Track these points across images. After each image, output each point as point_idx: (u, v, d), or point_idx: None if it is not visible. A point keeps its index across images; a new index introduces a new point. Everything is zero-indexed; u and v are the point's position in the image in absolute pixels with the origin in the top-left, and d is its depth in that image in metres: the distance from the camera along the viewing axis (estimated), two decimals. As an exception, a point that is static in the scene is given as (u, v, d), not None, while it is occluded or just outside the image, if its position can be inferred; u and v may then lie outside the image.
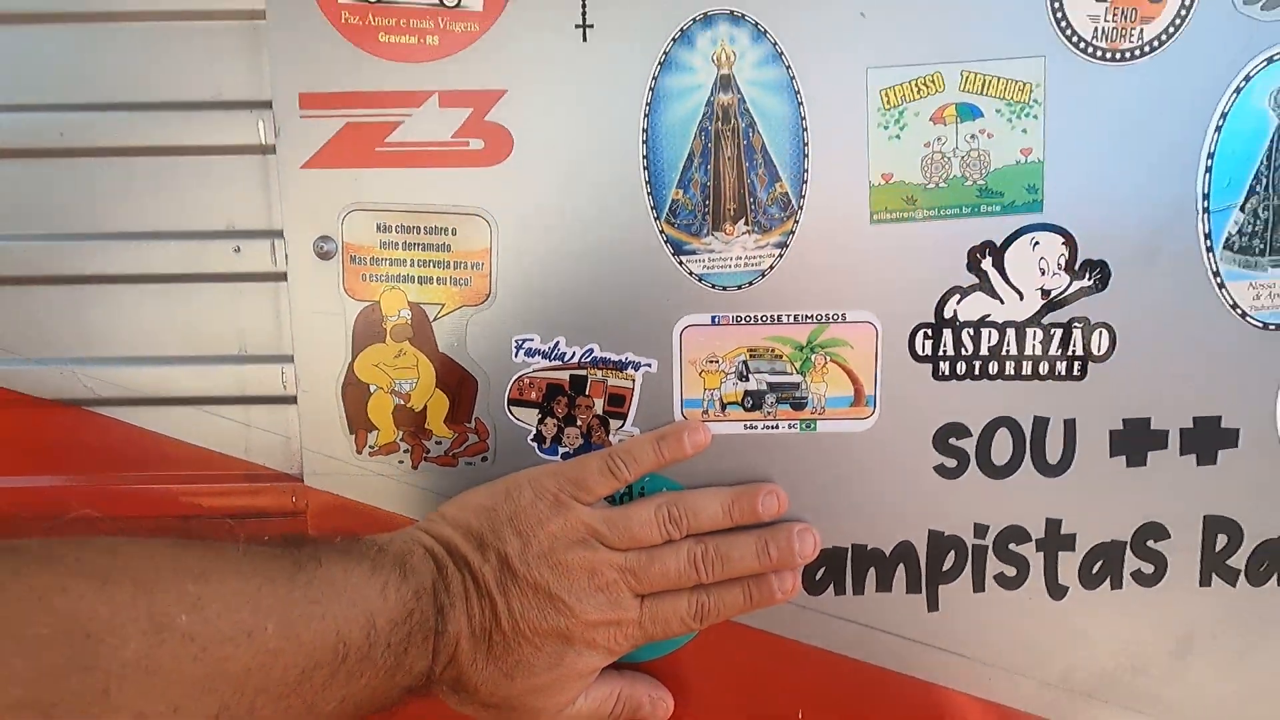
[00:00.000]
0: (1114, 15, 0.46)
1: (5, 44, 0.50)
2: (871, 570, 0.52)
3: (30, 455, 0.54)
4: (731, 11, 0.47)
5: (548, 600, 0.44)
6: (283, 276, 0.51)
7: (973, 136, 0.47)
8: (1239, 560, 0.51)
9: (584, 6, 0.47)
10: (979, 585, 0.52)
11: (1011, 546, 0.51)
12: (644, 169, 0.48)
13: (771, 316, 0.49)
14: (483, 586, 0.44)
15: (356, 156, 0.49)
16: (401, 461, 0.52)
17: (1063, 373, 0.50)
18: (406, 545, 0.44)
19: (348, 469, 0.52)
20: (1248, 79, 0.47)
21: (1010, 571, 0.52)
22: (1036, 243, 0.48)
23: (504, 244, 0.49)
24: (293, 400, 0.52)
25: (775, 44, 0.47)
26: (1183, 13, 0.46)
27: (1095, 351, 0.49)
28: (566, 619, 0.44)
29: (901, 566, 0.52)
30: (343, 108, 0.48)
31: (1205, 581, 0.51)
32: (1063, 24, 0.46)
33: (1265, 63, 0.46)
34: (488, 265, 0.49)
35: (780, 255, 0.49)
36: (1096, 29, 0.46)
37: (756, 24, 0.47)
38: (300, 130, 0.49)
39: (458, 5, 0.47)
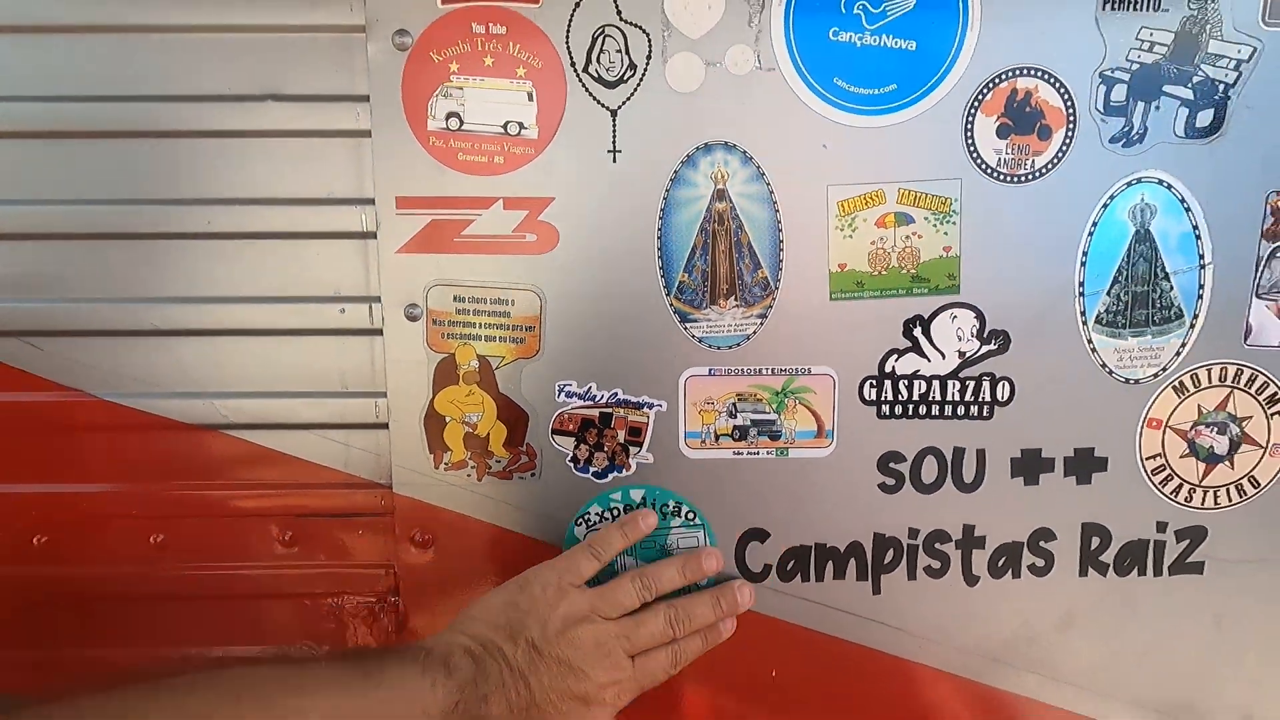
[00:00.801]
0: (1012, 149, 0.62)
1: (169, 153, 0.65)
2: (829, 563, 0.67)
3: (178, 467, 0.69)
4: (726, 142, 0.62)
5: (569, 671, 0.56)
6: (378, 332, 0.66)
7: (907, 237, 0.63)
8: (1108, 556, 0.67)
9: (614, 136, 0.62)
10: (912, 575, 0.67)
11: (937, 545, 0.67)
12: (658, 258, 0.63)
13: (754, 369, 0.65)
14: (516, 670, 0.55)
15: (439, 245, 0.64)
16: (469, 475, 0.67)
17: (975, 414, 0.65)
18: (447, 647, 0.54)
19: (427, 480, 0.68)
20: (1112, 198, 0.62)
21: (936, 564, 0.67)
22: (955, 316, 0.64)
23: (551, 312, 0.65)
24: (384, 426, 0.67)
25: (759, 166, 0.62)
26: (1064, 148, 0.61)
27: (999, 398, 0.65)
28: (584, 684, 0.56)
29: (853, 560, 0.67)
30: (429, 208, 0.64)
31: (1083, 573, 0.67)
32: (975, 156, 0.62)
33: (1124, 186, 0.62)
34: (538, 328, 0.65)
35: (761, 324, 0.64)
36: (999, 159, 0.62)
37: (745, 151, 0.62)
38: (396, 223, 0.64)
39: (519, 134, 0.62)
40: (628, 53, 0.61)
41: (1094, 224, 0.62)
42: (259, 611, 0.72)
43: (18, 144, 0.65)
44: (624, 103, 0.62)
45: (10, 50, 0.64)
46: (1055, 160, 0.62)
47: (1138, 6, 0.60)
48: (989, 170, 0.62)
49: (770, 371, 0.65)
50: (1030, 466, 0.66)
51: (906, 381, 0.65)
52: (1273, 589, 0.68)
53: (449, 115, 0.62)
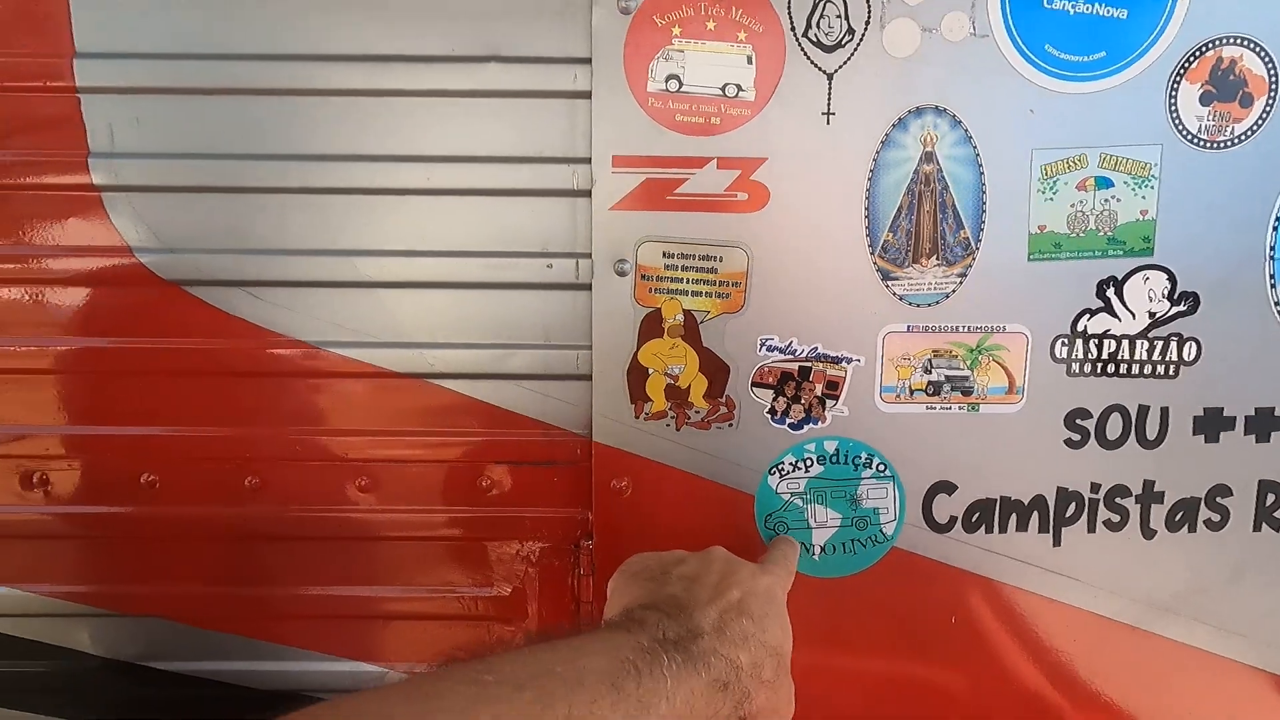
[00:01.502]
0: (1214, 116, 0.64)
1: (392, 111, 0.68)
2: (1013, 515, 0.70)
3: (386, 414, 0.72)
4: (936, 106, 0.64)
5: (784, 630, 0.56)
6: (585, 287, 0.69)
7: (1106, 200, 0.65)
8: (1284, 513, 0.70)
9: (829, 98, 0.65)
10: (1091, 528, 0.70)
11: (1117, 500, 0.70)
12: (865, 217, 0.66)
13: (951, 327, 0.68)
14: (759, 656, 0.51)
15: (651, 202, 0.67)
16: (668, 424, 0.70)
17: (1161, 373, 0.68)
18: (714, 664, 0.48)
19: (626, 429, 0.71)
20: (1309, 165, 0.64)
21: (1115, 518, 0.70)
22: (1147, 278, 0.66)
23: (757, 269, 0.67)
24: (587, 378, 0.70)
25: (967, 130, 0.65)
26: (1264, 116, 0.64)
27: (1186, 358, 0.68)
28: (787, 641, 0.56)
29: (1035, 513, 0.70)
30: (644, 167, 0.66)
31: (1257, 528, 0.70)
32: (1177, 122, 0.64)
33: (1322, 153, 0.64)
34: (744, 284, 0.68)
35: (960, 282, 0.67)
36: (1201, 125, 0.64)
37: (954, 115, 0.65)
38: (611, 182, 0.67)
39: (737, 96, 0.65)
40: (847, 18, 0.63)
41: (1289, 190, 0.65)
42: (458, 554, 0.75)
43: (248, 100, 0.68)
44: (841, 66, 0.64)
45: (235, 9, 0.67)
46: (1255, 127, 0.64)
47: (1344, -21, 0.62)
48: (1190, 137, 0.64)
49: (967, 329, 0.68)
50: (1212, 424, 0.69)
51: (1097, 340, 0.68)
52: None
53: (669, 77, 0.65)
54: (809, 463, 0.70)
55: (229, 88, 0.68)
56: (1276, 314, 0.67)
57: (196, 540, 0.76)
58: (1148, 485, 0.70)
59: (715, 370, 0.69)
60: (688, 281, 0.68)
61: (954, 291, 0.67)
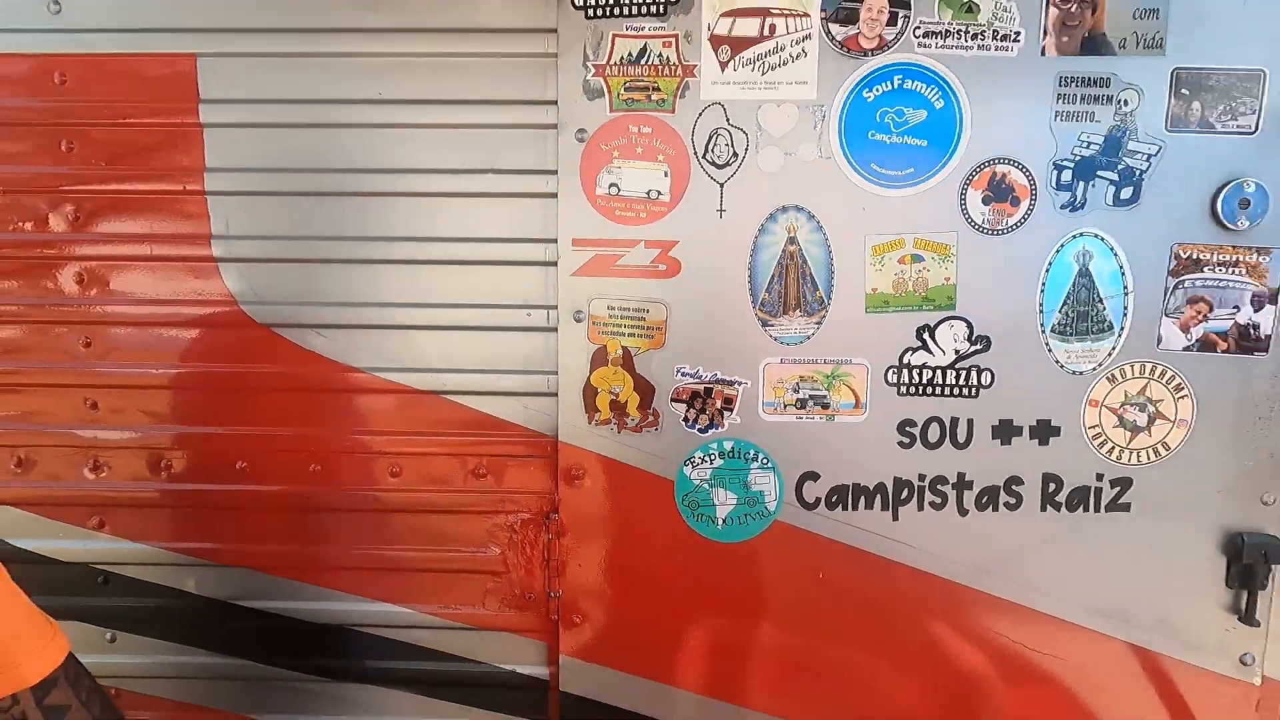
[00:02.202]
0: (993, 212, 0.91)
1: (418, 208, 0.97)
2: (862, 497, 0.96)
3: (410, 420, 1.01)
4: (796, 205, 0.92)
5: None
6: (554, 330, 0.97)
7: (919, 271, 0.92)
8: (1061, 498, 0.95)
9: (721, 200, 0.93)
10: (920, 507, 0.96)
11: (938, 486, 0.96)
12: (748, 282, 0.94)
13: (812, 360, 0.94)
14: None
15: (600, 271, 0.95)
16: (612, 429, 0.98)
17: (966, 394, 0.94)
18: None
19: (582, 433, 0.98)
20: (1062, 246, 0.91)
21: (937, 500, 0.96)
22: (952, 325, 0.93)
23: (673, 318, 0.95)
24: (554, 395, 0.98)
25: (819, 222, 0.92)
26: (1028, 212, 0.90)
27: (983, 383, 0.93)
28: None
29: (878, 496, 0.96)
30: (594, 247, 0.95)
31: (1044, 509, 0.95)
32: (967, 216, 0.91)
33: (1071, 238, 0.90)
34: (664, 329, 0.95)
35: (818, 328, 0.94)
36: (984, 218, 0.91)
37: (809, 212, 0.92)
38: (572, 256, 0.95)
39: (657, 198, 0.93)
40: (733, 145, 0.92)
41: (1049, 264, 0.91)
42: (461, 523, 1.03)
43: (322, 200, 0.98)
44: (729, 179, 0.92)
45: (317, 140, 0.97)
46: (1022, 220, 0.91)
47: (1079, 118, 0.89)
48: (976, 226, 0.91)
49: (823, 361, 0.95)
50: (1005, 431, 0.94)
51: (918, 370, 0.94)
52: (1180, 524, 0.95)
53: (611, 185, 0.94)
54: (713, 457, 0.97)
55: (309, 192, 0.98)
56: (1047, 351, 0.93)
57: (274, 511, 1.04)
58: (960, 476, 0.95)
59: (645, 390, 0.97)
60: (625, 327, 0.96)
61: (813, 335, 0.94)
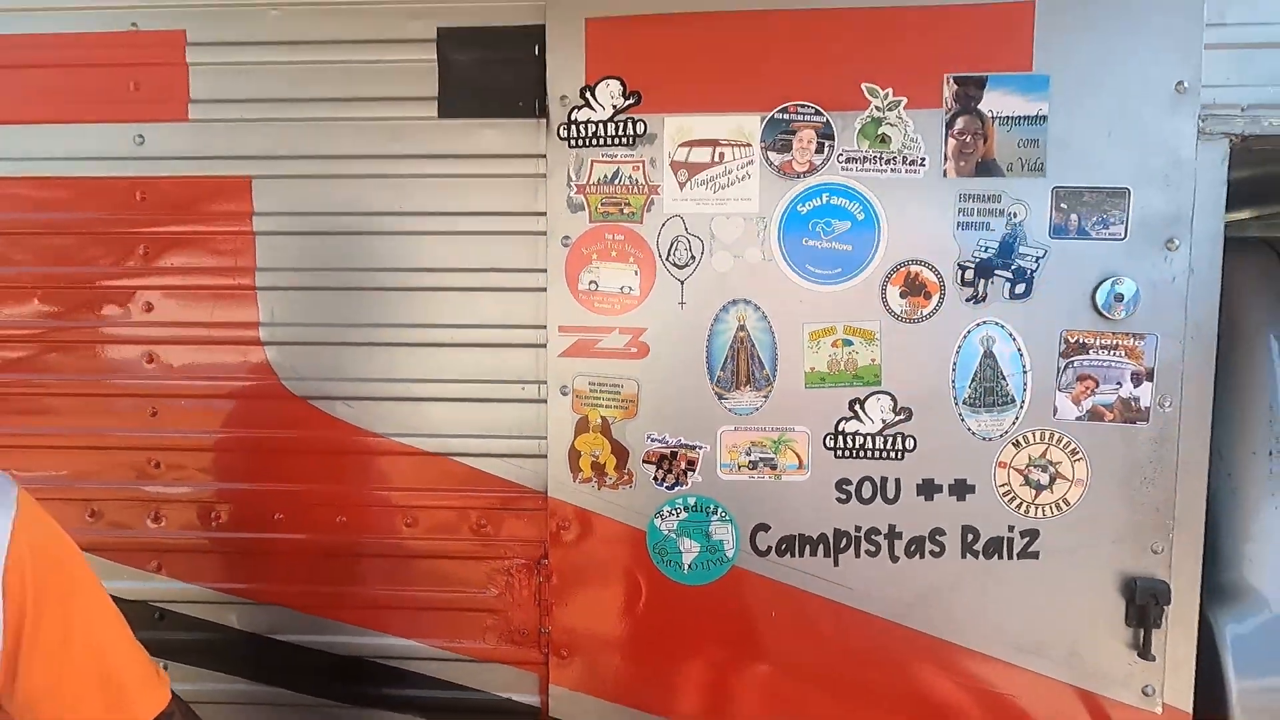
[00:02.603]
0: (909, 304, 1.08)
1: (433, 298, 1.16)
2: (807, 546, 1.12)
3: (422, 478, 1.18)
4: (745, 299, 1.10)
5: None
6: (543, 401, 1.15)
7: (849, 353, 1.09)
8: (979, 546, 1.10)
9: (682, 294, 1.11)
10: (857, 554, 1.11)
11: (872, 536, 1.11)
12: (706, 362, 1.11)
13: (761, 428, 1.11)
14: None
15: (582, 352, 1.13)
16: (594, 487, 1.14)
17: (893, 457, 1.10)
18: None
19: (568, 490, 1.15)
20: (969, 332, 1.08)
21: (872, 549, 1.11)
22: (879, 399, 1.09)
23: (644, 393, 1.13)
24: (544, 456, 1.16)
25: (764, 313, 1.10)
26: (939, 305, 1.08)
27: (907, 447, 1.10)
28: None
29: (821, 544, 1.12)
30: (577, 332, 1.13)
31: (964, 556, 1.10)
32: (887, 307, 1.08)
33: (976, 325, 1.07)
34: (637, 401, 1.13)
35: (766, 400, 1.11)
36: (902, 310, 1.08)
37: (756, 304, 1.10)
38: (559, 340, 1.13)
39: (629, 293, 1.12)
40: (691, 250, 1.10)
41: (959, 347, 1.08)
42: (465, 567, 1.19)
43: (351, 294, 1.18)
44: (688, 277, 1.11)
45: (353, 245, 1.17)
46: (934, 311, 1.08)
47: (977, 227, 1.07)
48: (896, 316, 1.08)
49: (771, 429, 1.11)
50: (928, 489, 1.10)
51: (851, 436, 1.10)
52: (1083, 569, 1.09)
53: (591, 281, 1.12)
54: (679, 511, 1.13)
55: (340, 286, 1.17)
56: (960, 420, 1.09)
57: (305, 555, 1.21)
58: (891, 527, 1.11)
59: (621, 453, 1.14)
60: (603, 399, 1.14)
61: (761, 406, 1.11)
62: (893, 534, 1.11)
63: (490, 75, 1.14)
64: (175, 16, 1.17)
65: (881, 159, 1.07)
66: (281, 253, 1.18)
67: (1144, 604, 1.07)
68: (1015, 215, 1.06)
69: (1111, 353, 1.07)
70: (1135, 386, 1.07)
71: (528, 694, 1.20)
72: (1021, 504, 1.09)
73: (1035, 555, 1.10)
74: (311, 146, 1.16)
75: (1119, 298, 1.05)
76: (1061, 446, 1.08)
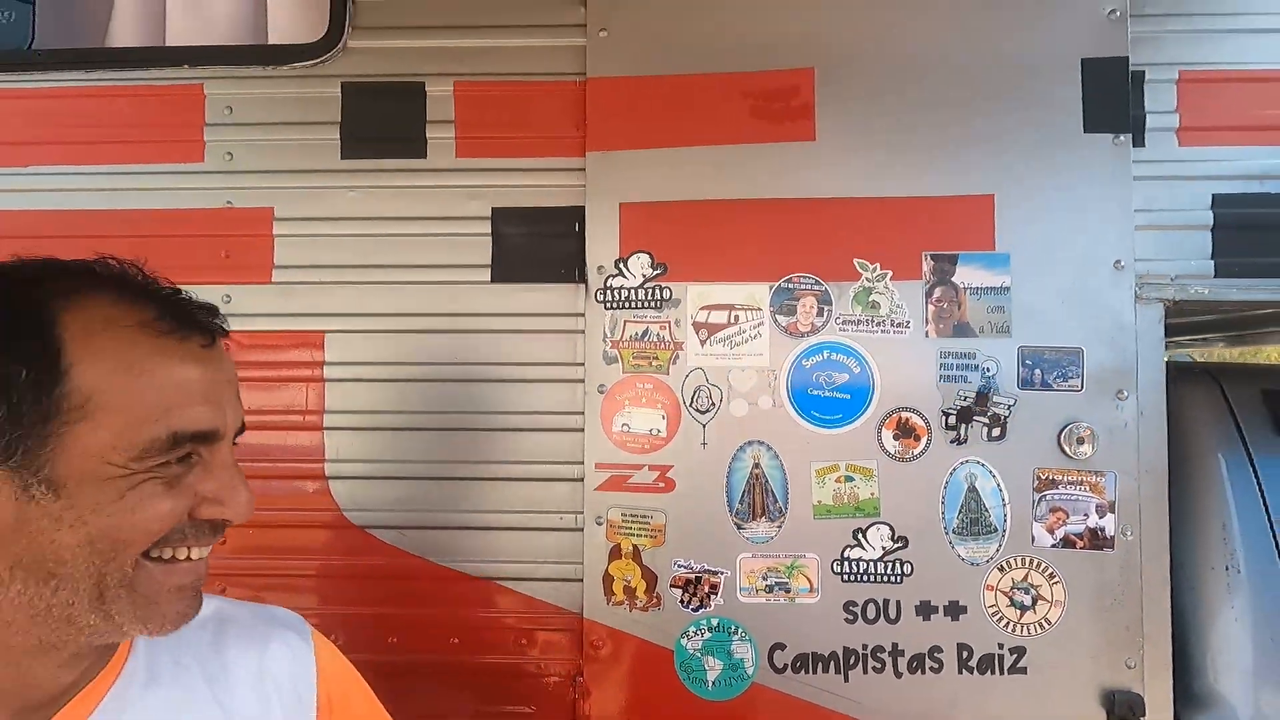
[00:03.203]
0: (902, 445, 1.24)
1: (478, 436, 1.32)
2: (819, 662, 1.24)
3: (470, 600, 1.30)
4: (760, 440, 1.26)
5: None
6: (580, 530, 1.29)
7: (851, 488, 1.25)
8: (973, 663, 1.22)
9: (704, 436, 1.27)
10: (865, 670, 1.24)
11: (879, 654, 1.23)
12: (725, 496, 1.26)
13: (776, 554, 1.25)
14: None
15: (616, 487, 1.28)
16: (625, 608, 1.27)
17: (894, 580, 1.24)
18: None
19: (603, 611, 1.27)
20: (954, 469, 1.24)
21: (878, 665, 1.23)
22: (879, 528, 1.24)
23: (671, 523, 1.27)
24: (580, 580, 1.28)
25: (776, 453, 1.26)
26: (927, 445, 1.24)
27: (906, 572, 1.24)
28: None
29: (832, 661, 1.24)
30: (611, 469, 1.28)
31: (960, 672, 1.22)
32: (883, 448, 1.25)
33: (960, 464, 1.24)
34: (664, 532, 1.27)
35: (779, 530, 1.25)
36: (895, 450, 1.24)
37: (769, 445, 1.26)
38: (595, 476, 1.28)
39: (658, 434, 1.28)
40: (711, 398, 1.27)
41: (945, 483, 1.24)
42: (508, 681, 1.30)
43: (410, 433, 1.33)
44: (709, 421, 1.27)
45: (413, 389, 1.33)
46: (923, 451, 1.24)
47: (956, 380, 1.25)
48: (891, 456, 1.25)
49: (784, 556, 1.25)
50: (925, 610, 1.24)
51: (856, 562, 1.24)
52: (1067, 682, 1.22)
53: (623, 424, 1.29)
54: (703, 631, 1.26)
55: (400, 427, 1.33)
56: (950, 547, 1.24)
57: (362, 672, 1.31)
58: (894, 646, 1.24)
59: (650, 578, 1.27)
60: (634, 529, 1.28)
61: (775, 536, 1.26)
62: (896, 651, 1.24)
63: (537, 247, 1.33)
64: (265, 196, 1.37)
65: (872, 321, 1.26)
66: (349, 397, 1.34)
67: (1122, 715, 1.19)
68: (988, 370, 1.25)
69: (1078, 488, 1.23)
70: (1100, 518, 1.23)
71: (562, 807, 1.29)
72: (1008, 623, 1.23)
73: (1024, 670, 1.23)
74: (380, 305, 1.34)
75: (1080, 440, 1.22)
76: (1040, 571, 1.23)
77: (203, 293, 1.37)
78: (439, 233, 1.34)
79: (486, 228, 1.34)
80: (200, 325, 0.68)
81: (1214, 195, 1.28)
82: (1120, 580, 1.22)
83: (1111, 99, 1.26)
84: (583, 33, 1.33)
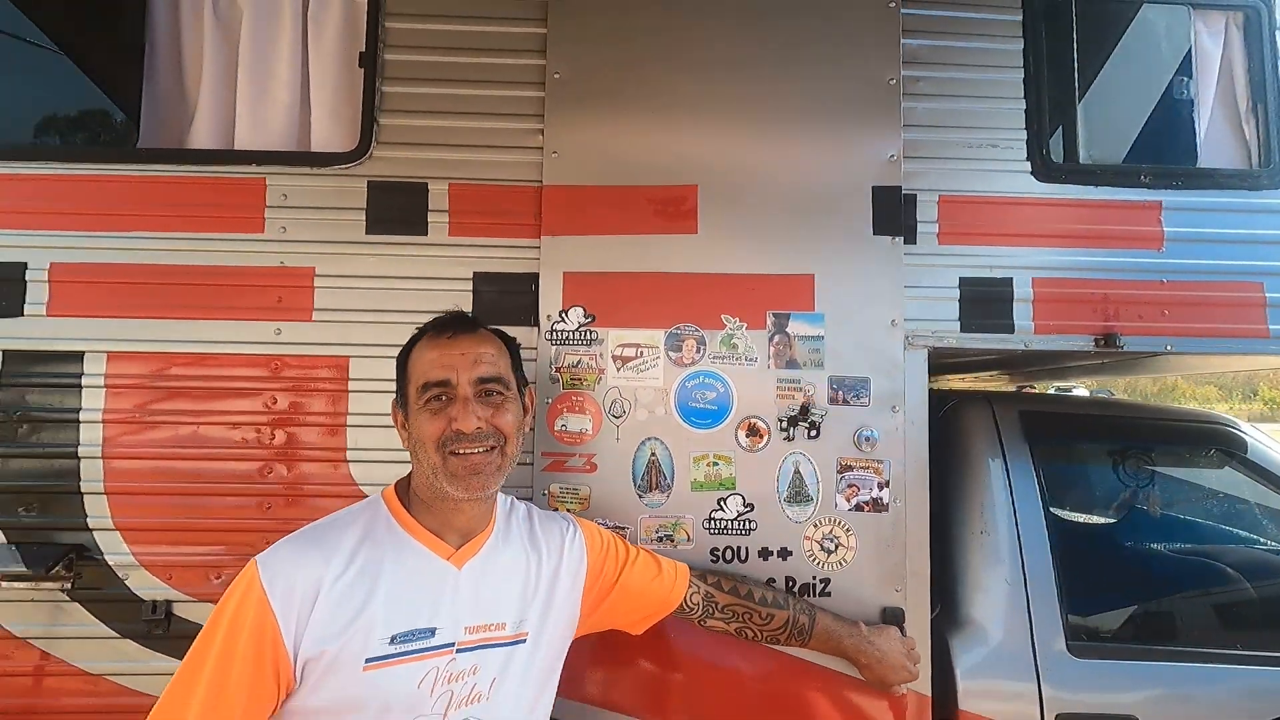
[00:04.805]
0: (750, 441, 1.83)
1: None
2: (693, 590, 1.81)
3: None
4: (656, 437, 1.83)
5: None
6: (530, 499, 1.84)
7: (717, 470, 1.83)
8: (796, 589, 1.80)
9: (617, 434, 1.83)
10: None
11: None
12: (631, 475, 1.83)
13: (665, 516, 1.82)
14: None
15: (556, 469, 1.83)
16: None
17: (743, 533, 1.82)
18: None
19: None
20: (785, 458, 1.83)
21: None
22: (735, 498, 1.82)
23: (594, 495, 1.83)
24: (530, 535, 1.83)
25: (666, 445, 1.83)
26: (768, 442, 1.83)
27: (752, 528, 1.82)
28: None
29: (702, 589, 1.80)
30: (553, 456, 1.84)
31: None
32: (739, 442, 1.83)
33: (790, 454, 1.83)
34: (590, 499, 1.83)
35: (667, 498, 1.82)
36: (746, 444, 1.83)
37: (661, 440, 1.83)
38: (541, 460, 1.84)
39: (586, 432, 1.84)
40: (623, 408, 1.84)
41: (780, 467, 1.83)
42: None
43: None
44: (621, 424, 1.84)
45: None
46: (765, 445, 1.83)
47: (787, 397, 1.84)
48: (743, 448, 1.83)
49: (669, 517, 1.82)
50: (765, 553, 1.81)
51: (718, 520, 1.82)
52: (857, 603, 1.81)
53: (561, 425, 1.84)
54: None
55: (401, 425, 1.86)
56: (782, 511, 1.82)
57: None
58: (743, 578, 1.81)
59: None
60: (568, 498, 1.83)
61: (664, 503, 1.82)
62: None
63: (504, 300, 1.89)
64: (309, 259, 1.89)
65: (732, 357, 1.86)
66: (365, 404, 1.87)
67: (890, 619, 1.79)
68: (808, 391, 1.85)
69: (866, 471, 1.84)
70: (880, 491, 1.83)
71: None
72: (819, 562, 1.82)
73: (830, 595, 1.81)
74: (391, 338, 1.85)
75: (868, 439, 1.83)
76: (840, 526, 1.83)
77: (259, 327, 1.93)
78: (435, 289, 1.88)
79: (469, 285, 1.89)
80: (440, 326, 1.37)
81: (960, 278, 1.94)
82: (892, 534, 1.83)
83: (891, 213, 1.90)
84: (540, 153, 1.92)
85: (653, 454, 1.84)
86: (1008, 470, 2.08)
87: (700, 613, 1.62)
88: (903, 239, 1.90)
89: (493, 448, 1.29)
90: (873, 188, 1.91)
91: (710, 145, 1.92)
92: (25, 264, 1.84)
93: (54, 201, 1.87)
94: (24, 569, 1.73)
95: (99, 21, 2.10)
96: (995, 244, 1.96)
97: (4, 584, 1.74)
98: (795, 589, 1.81)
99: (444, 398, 1.28)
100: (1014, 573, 1.98)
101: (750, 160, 1.92)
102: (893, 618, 1.79)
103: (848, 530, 1.83)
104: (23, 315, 1.83)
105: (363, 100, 1.90)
